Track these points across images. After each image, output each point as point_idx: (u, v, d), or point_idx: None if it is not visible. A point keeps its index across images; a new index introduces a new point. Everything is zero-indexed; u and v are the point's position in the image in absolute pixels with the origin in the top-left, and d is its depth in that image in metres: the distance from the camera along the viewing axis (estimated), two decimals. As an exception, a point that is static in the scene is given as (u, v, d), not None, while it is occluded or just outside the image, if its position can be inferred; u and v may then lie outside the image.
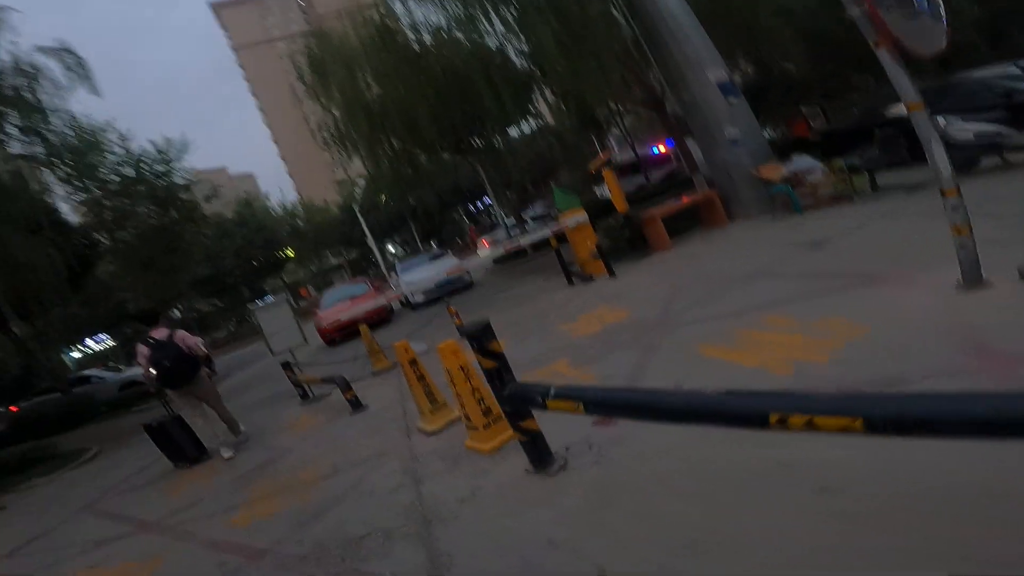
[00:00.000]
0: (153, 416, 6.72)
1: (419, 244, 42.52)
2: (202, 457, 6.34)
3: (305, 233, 43.14)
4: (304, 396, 7.83)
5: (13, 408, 18.40)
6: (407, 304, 16.64)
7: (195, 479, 5.81)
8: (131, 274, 20.21)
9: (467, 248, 33.51)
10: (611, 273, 8.71)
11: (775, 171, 9.18)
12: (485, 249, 22.40)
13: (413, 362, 4.54)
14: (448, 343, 3.75)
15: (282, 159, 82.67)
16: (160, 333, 5.90)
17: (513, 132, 23.74)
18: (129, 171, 20.12)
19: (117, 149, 19.81)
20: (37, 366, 16.63)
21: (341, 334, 14.50)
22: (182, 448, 6.29)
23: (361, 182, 36.78)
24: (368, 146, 18.15)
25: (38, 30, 13.60)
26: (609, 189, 9.89)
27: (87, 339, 41.23)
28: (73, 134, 14.48)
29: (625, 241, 9.86)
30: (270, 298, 8.12)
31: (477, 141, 21.34)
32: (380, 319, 15.04)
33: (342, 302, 15.41)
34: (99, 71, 23.83)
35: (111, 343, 40.58)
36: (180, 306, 43.37)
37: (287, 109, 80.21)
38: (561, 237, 9.79)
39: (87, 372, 19.56)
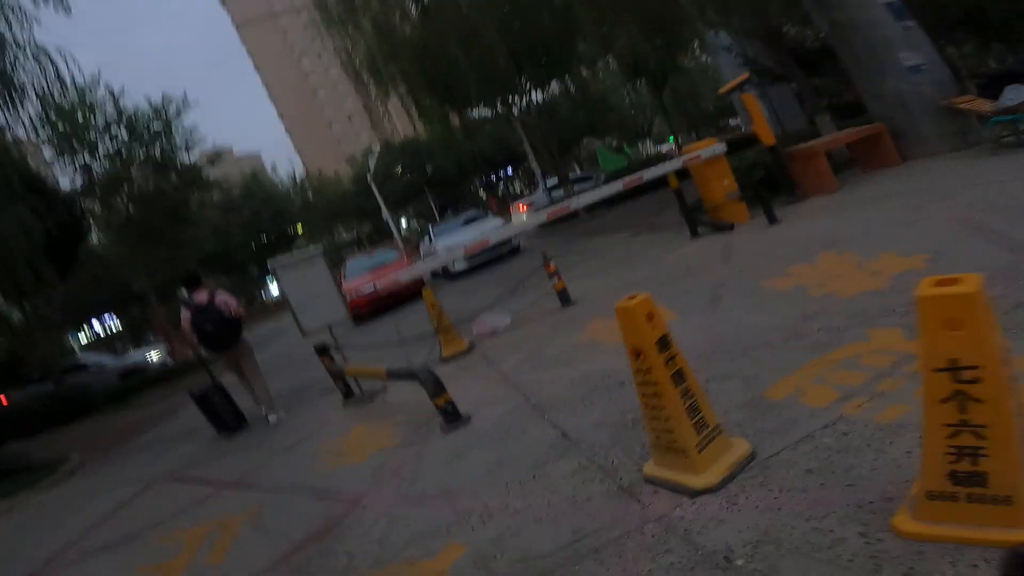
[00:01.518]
0: (157, 407, 7.23)
1: (436, 215, 39.99)
2: (242, 426, 6.24)
3: (315, 206, 40.69)
4: (347, 394, 5.51)
5: (2, 399, 16.42)
6: (444, 274, 14.24)
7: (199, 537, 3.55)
8: (132, 248, 17.95)
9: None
10: (771, 218, 6.22)
11: (980, 103, 6.68)
12: (521, 214, 19.96)
13: (664, 343, 2.12)
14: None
15: (287, 133, 79.97)
16: (202, 296, 5.71)
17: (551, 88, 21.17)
18: (121, 131, 17.82)
19: (108, 109, 17.51)
20: (25, 351, 14.51)
21: (370, 309, 12.20)
22: (222, 418, 6.16)
23: (376, 149, 34.10)
24: (407, 86, 15.79)
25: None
26: (753, 117, 7.37)
27: (93, 321, 39.61)
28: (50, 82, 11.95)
29: (763, 183, 7.33)
30: (300, 254, 5.52)
31: (520, 94, 18.71)
32: (416, 291, 12.71)
33: (371, 271, 13.05)
34: (98, 58, 21.19)
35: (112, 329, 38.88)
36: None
37: (292, 83, 77.25)
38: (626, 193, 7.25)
39: (84, 358, 17.43)
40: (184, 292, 6.06)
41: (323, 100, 77.49)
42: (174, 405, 10.68)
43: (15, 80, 9.01)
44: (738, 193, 6.88)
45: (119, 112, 17.31)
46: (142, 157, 17.40)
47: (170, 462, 6.16)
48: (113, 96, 17.07)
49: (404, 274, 6.25)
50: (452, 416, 3.72)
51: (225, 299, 5.69)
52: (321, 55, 78.74)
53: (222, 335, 5.66)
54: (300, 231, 42.39)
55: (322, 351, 5.44)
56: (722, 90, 9.03)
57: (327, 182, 43.51)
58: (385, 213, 34.82)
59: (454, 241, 13.55)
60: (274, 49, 77.68)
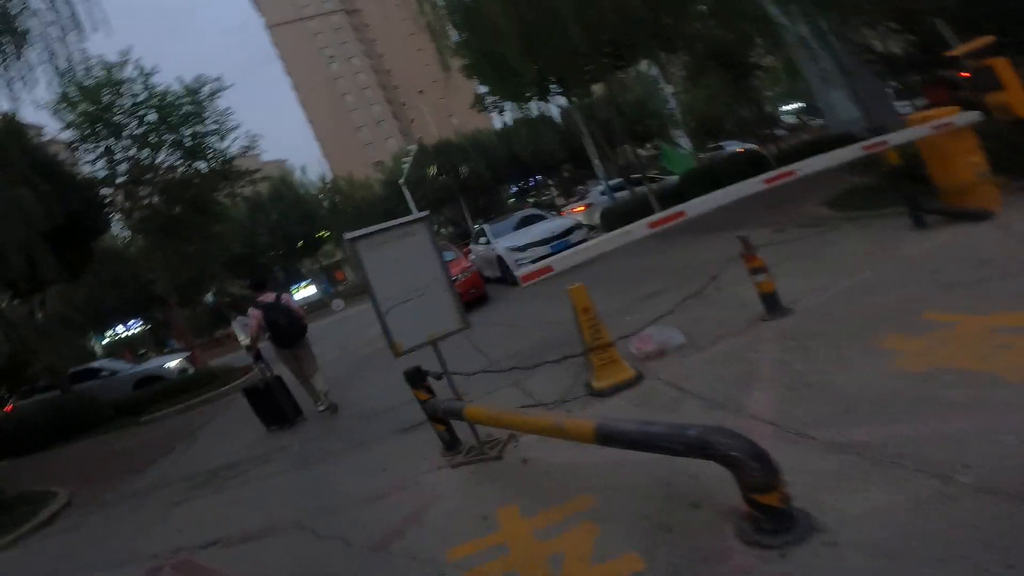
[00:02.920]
0: (171, 426, 7.47)
1: (469, 222, 38.23)
2: (297, 419, 6.31)
3: (344, 209, 39.20)
4: (451, 443, 3.55)
5: (8, 408, 14.82)
6: (504, 278, 12.26)
7: None
8: (153, 242, 16.37)
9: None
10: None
11: None
12: (576, 216, 18.06)
13: None
14: None
15: (317, 140, 79.36)
16: (268, 297, 6.07)
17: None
18: (150, 114, 16.31)
19: (137, 88, 16.02)
20: (29, 355, 12.88)
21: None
22: (282, 409, 6.21)
23: (413, 149, 32.52)
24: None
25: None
26: (1006, 85, 5.34)
27: (117, 325, 38.47)
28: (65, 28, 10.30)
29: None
30: (393, 225, 3.36)
31: (588, 82, 16.81)
32: (477, 296, 10.79)
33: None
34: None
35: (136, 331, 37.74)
36: (212, 289, 40.26)
37: (321, 88, 76.78)
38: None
39: (97, 364, 15.80)
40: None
41: (351, 105, 76.73)
42: (190, 425, 8.84)
43: (15, 22, 7.26)
44: (989, 173, 4.81)
45: (149, 92, 15.76)
46: (170, 141, 15.82)
47: (177, 528, 4.25)
48: (143, 73, 15.51)
49: (559, 261, 4.21)
50: (778, 521, 1.72)
51: (289, 299, 6.19)
52: (351, 59, 78.57)
53: (293, 329, 5.98)
54: (326, 235, 40.98)
55: (417, 379, 3.48)
56: (957, 51, 6.85)
57: (357, 185, 42.09)
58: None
59: (519, 242, 11.65)
60: (304, 52, 77.38)
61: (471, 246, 15.30)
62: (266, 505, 4.07)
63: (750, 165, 14.92)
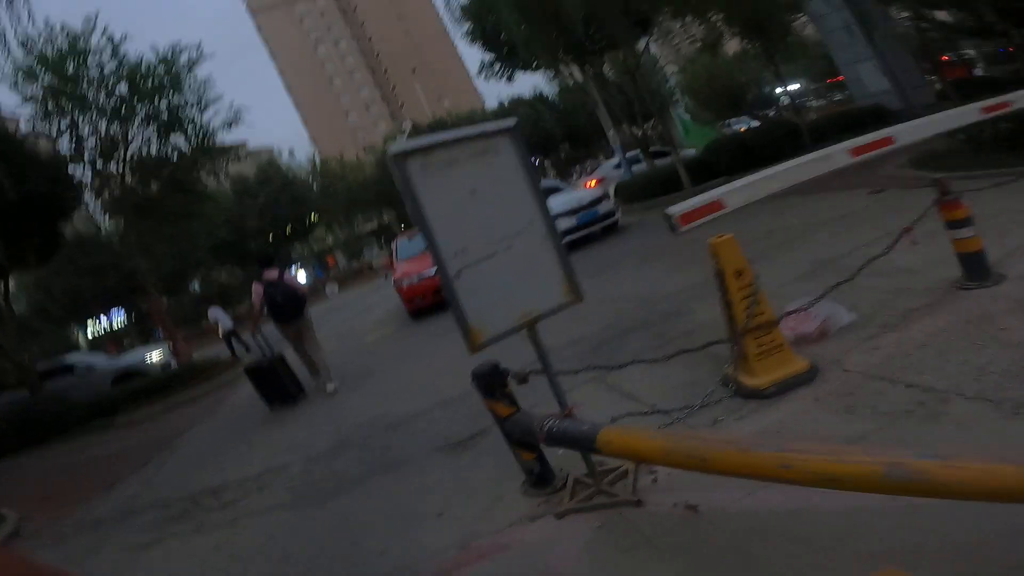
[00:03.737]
0: (150, 431, 6.94)
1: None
2: (300, 395, 6.39)
3: (335, 192, 37.58)
4: (542, 478, 2.36)
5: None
6: None
7: None
8: (132, 226, 14.91)
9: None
10: None
11: None
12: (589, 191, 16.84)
13: None
14: None
15: (304, 125, 77.09)
16: (272, 275, 6.19)
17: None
18: (120, 84, 14.75)
19: (106, 58, 14.45)
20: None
21: (435, 299, 9.07)
22: (285, 387, 6.27)
23: (407, 127, 30.96)
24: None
25: None
26: None
27: (100, 316, 36.84)
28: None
29: None
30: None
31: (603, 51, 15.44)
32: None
33: (426, 251, 9.96)
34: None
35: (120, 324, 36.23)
36: (198, 277, 38.63)
37: (308, 72, 74.44)
38: None
39: (71, 359, 14.39)
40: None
41: (339, 88, 74.53)
42: (170, 430, 7.58)
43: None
44: None
45: (119, 61, 14.18)
46: (143, 114, 14.31)
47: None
48: (112, 43, 13.93)
49: (732, 195, 2.95)
50: None
51: (291, 278, 6.52)
52: (338, 42, 76.18)
53: (291, 306, 6.17)
54: (315, 219, 39.38)
55: (495, 383, 2.27)
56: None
57: (348, 167, 40.40)
58: (411, 200, 31.96)
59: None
60: (290, 36, 74.94)
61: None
62: (264, 565, 2.85)
63: (785, 135, 13.75)
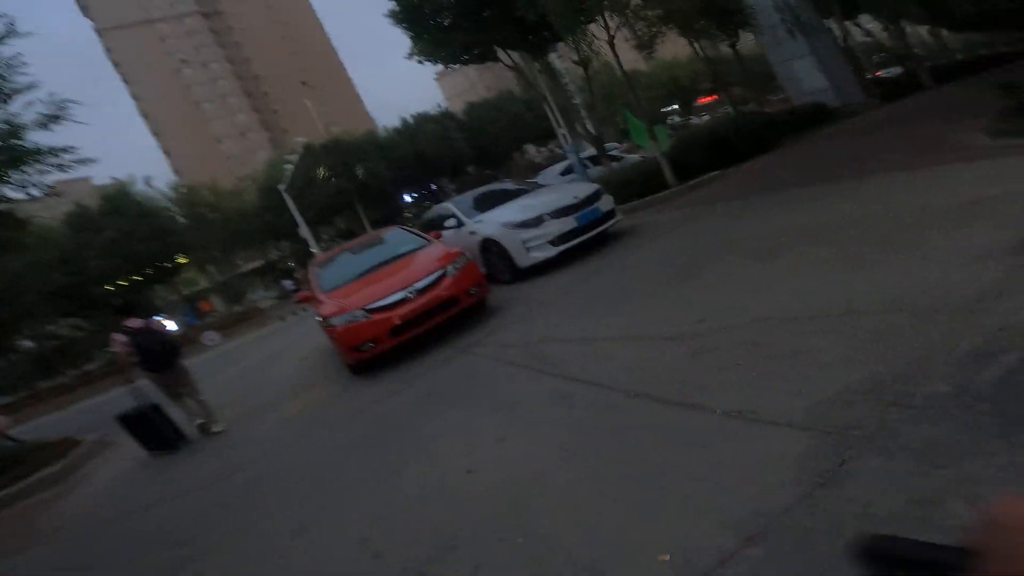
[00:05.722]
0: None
1: (367, 228, 32.90)
2: (180, 443, 5.99)
3: (211, 221, 31.80)
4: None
5: None
6: (489, 275, 7.78)
7: None
8: None
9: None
10: None
11: None
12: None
13: None
14: None
15: (165, 154, 67.77)
16: (135, 323, 5.93)
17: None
18: None
19: None
20: None
21: (393, 342, 5.71)
22: (161, 432, 5.94)
23: (299, 149, 26.72)
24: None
25: None
26: None
27: None
28: None
29: None
30: None
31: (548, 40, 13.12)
32: (479, 299, 6.37)
33: (372, 275, 6.63)
34: None
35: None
36: (28, 331, 30.57)
37: (170, 96, 66.02)
38: None
39: None
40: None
41: (210, 114, 66.85)
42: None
43: None
44: None
45: None
46: None
47: None
48: None
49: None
50: None
51: (159, 324, 6.28)
52: (208, 64, 68.74)
53: (167, 353, 5.89)
54: (184, 260, 33.17)
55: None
56: None
57: (223, 195, 34.69)
58: (304, 229, 27.60)
59: (524, 216, 7.48)
60: (148, 58, 66.31)
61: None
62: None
63: (762, 127, 12.24)
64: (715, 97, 44.42)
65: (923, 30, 27.39)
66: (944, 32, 28.37)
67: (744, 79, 21.94)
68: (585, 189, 7.92)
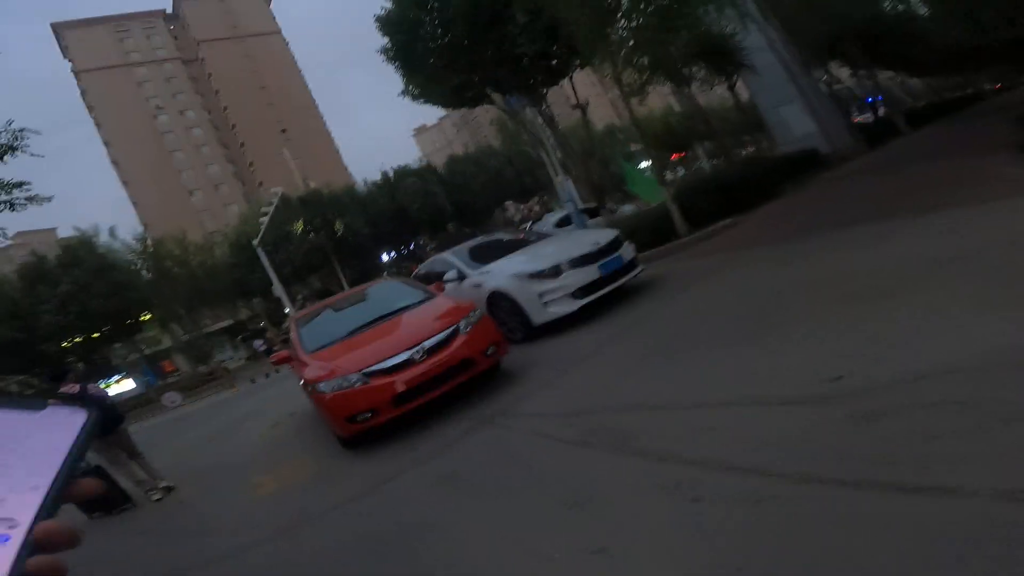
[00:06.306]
0: None
1: (345, 286, 31.68)
2: (127, 505, 5.86)
3: (176, 277, 30.18)
4: None
5: None
6: (507, 331, 6.77)
7: None
8: None
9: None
10: None
11: None
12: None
13: None
14: None
15: (133, 205, 65.97)
16: (71, 388, 5.77)
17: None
18: None
19: None
20: None
21: (398, 410, 4.68)
22: (105, 496, 5.67)
23: (275, 200, 25.86)
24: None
25: None
26: None
27: None
28: None
29: None
30: None
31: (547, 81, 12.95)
32: (497, 359, 5.40)
33: (367, 332, 5.63)
34: None
35: None
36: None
37: (142, 143, 64.95)
38: None
39: None
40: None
41: (182, 164, 65.63)
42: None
43: None
44: None
45: None
46: None
47: None
48: None
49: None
50: None
51: (97, 389, 6.18)
52: (185, 112, 68.21)
53: (108, 418, 5.71)
54: (146, 316, 31.31)
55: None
56: None
57: (191, 248, 33.24)
58: (278, 288, 26.43)
59: (537, 266, 6.66)
60: (122, 103, 65.41)
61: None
62: None
63: (764, 174, 11.97)
64: (684, 154, 45.71)
65: (884, 76, 28.70)
66: (904, 78, 29.90)
67: (717, 129, 22.23)
68: (605, 235, 7.18)
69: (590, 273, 6.50)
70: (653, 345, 4.54)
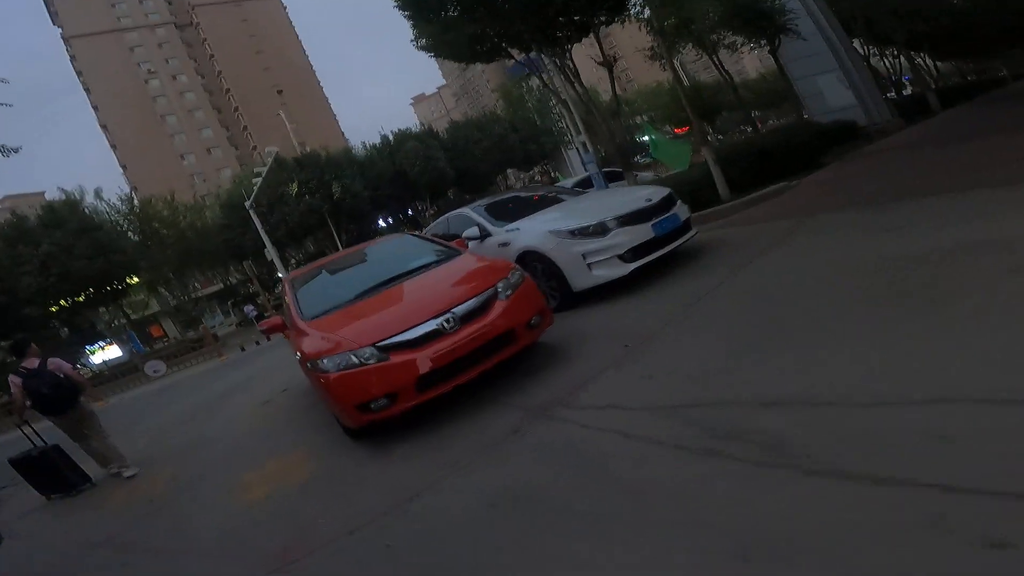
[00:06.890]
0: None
1: (340, 248, 30.46)
2: (85, 485, 5.59)
3: (165, 241, 28.89)
4: None
5: None
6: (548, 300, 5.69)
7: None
8: None
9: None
10: None
11: None
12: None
13: None
14: None
15: (122, 167, 64.02)
16: (31, 363, 5.53)
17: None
18: None
19: None
20: None
21: (425, 391, 3.66)
22: (63, 475, 5.56)
23: (269, 160, 24.49)
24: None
25: None
26: None
27: None
28: None
29: None
30: None
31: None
32: (542, 329, 4.39)
33: (380, 295, 4.56)
34: None
35: None
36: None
37: (133, 107, 62.79)
38: None
39: None
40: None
41: (174, 128, 63.62)
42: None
43: None
44: None
45: None
46: None
47: None
48: None
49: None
50: None
51: (58, 363, 5.63)
52: (177, 76, 65.89)
53: (59, 398, 5.46)
54: (135, 280, 30.05)
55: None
56: None
57: (181, 209, 31.82)
58: (271, 251, 25.26)
59: (581, 222, 5.59)
60: (114, 67, 63.24)
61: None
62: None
63: (806, 141, 10.95)
64: (687, 128, 44.20)
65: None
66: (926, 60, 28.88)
67: (739, 102, 21.02)
68: (657, 191, 6.11)
69: (643, 232, 5.45)
70: (757, 322, 3.51)
